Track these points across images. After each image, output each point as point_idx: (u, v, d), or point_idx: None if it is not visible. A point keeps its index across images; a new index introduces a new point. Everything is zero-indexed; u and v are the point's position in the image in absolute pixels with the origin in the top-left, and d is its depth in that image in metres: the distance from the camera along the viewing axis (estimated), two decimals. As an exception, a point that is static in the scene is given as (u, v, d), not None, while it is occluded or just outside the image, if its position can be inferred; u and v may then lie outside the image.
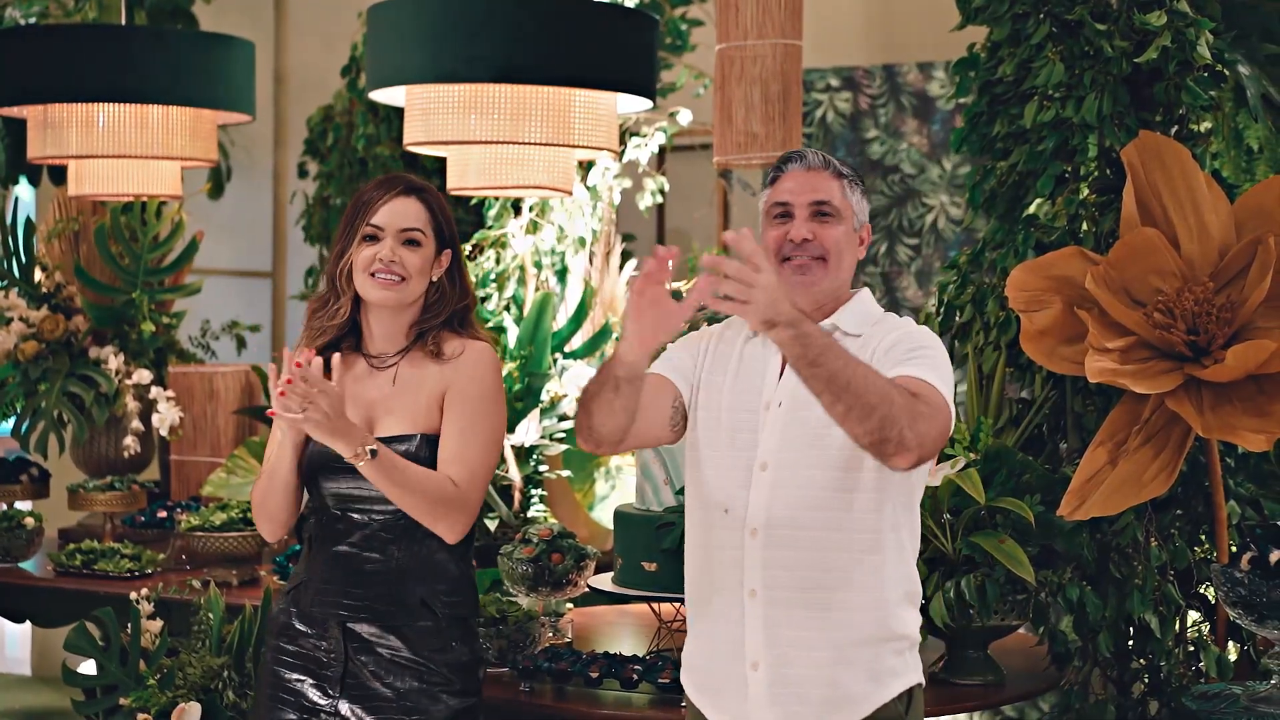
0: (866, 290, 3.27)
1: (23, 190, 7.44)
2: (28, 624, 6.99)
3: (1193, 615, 4.15)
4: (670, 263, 2.85)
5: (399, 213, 3.45)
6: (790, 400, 3.08)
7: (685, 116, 5.82)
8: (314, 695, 3.47)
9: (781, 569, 3.07)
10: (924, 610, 3.87)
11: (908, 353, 3.03)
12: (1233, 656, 4.09)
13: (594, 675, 3.83)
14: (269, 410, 3.29)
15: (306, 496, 3.56)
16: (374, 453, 3.29)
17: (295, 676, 3.50)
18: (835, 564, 3.05)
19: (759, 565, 3.08)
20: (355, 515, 3.47)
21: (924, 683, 3.21)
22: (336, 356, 3.33)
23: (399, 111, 6.63)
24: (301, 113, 7.93)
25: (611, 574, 4.34)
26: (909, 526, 3.13)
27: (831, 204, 3.16)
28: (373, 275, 3.44)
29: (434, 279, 3.51)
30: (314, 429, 3.25)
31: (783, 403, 3.10)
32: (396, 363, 3.51)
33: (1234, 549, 3.88)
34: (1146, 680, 4.14)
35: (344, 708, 3.44)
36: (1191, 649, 4.12)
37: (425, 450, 3.42)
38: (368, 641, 3.44)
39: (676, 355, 3.28)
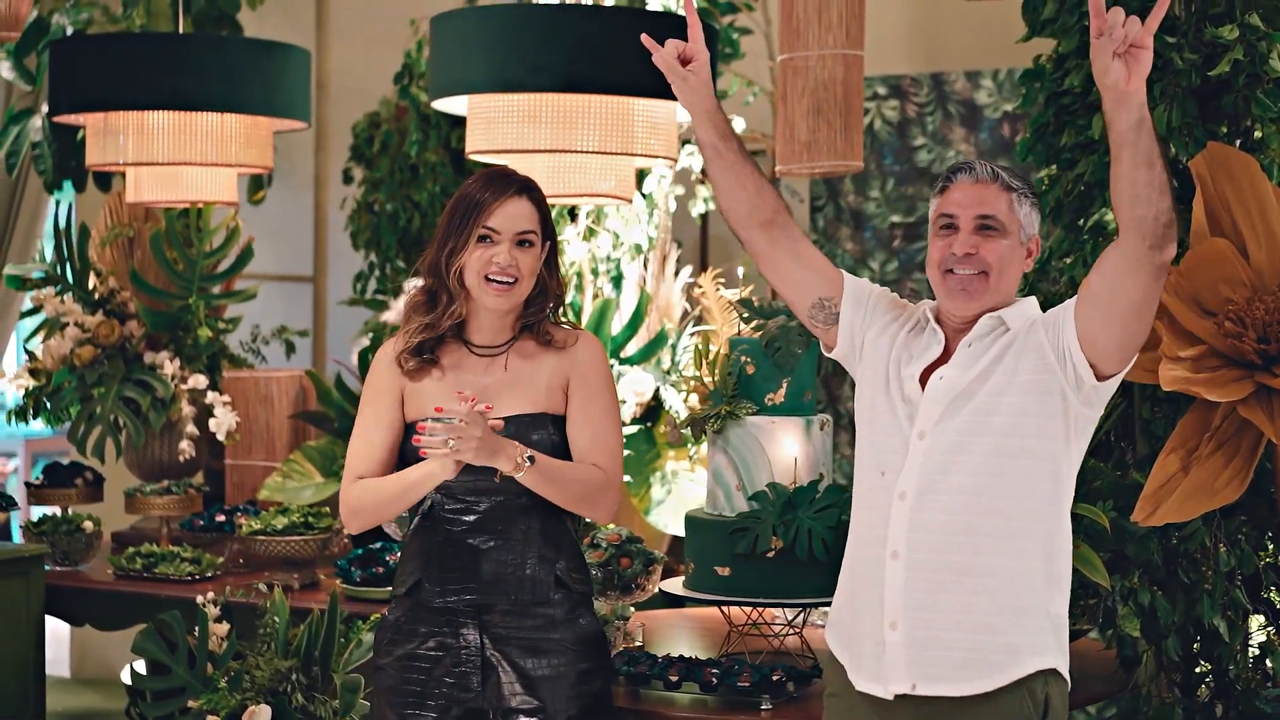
0: (1031, 299, 3.33)
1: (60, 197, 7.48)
2: (66, 626, 7.07)
3: (1258, 619, 4.19)
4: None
5: (514, 215, 3.46)
6: (956, 373, 3.18)
7: (739, 124, 5.88)
8: (455, 692, 3.49)
9: (925, 532, 3.14)
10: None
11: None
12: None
13: (673, 679, 3.88)
14: (422, 451, 3.34)
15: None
16: (532, 459, 3.35)
17: (431, 679, 3.51)
18: (980, 531, 3.12)
19: (904, 528, 3.16)
20: (472, 500, 3.50)
21: (1065, 672, 3.21)
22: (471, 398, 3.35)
23: (448, 118, 6.70)
24: (343, 118, 7.98)
25: (681, 579, 4.38)
26: (1058, 504, 3.18)
27: (997, 218, 3.20)
28: (489, 280, 3.45)
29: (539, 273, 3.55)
30: (472, 458, 3.30)
31: (944, 376, 3.19)
32: (505, 350, 3.55)
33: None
34: (1212, 684, 4.19)
35: (488, 697, 3.48)
36: (1257, 653, 4.16)
37: (553, 429, 3.49)
38: (504, 626, 3.49)
39: (860, 289, 3.40)
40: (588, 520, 5.08)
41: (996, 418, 3.13)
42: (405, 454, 3.53)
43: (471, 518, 3.50)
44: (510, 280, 3.45)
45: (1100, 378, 3.13)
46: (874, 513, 3.23)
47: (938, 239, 3.24)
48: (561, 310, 3.64)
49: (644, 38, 3.32)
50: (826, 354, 3.46)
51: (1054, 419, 3.14)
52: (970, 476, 3.13)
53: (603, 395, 3.55)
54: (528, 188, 3.50)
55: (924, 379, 3.24)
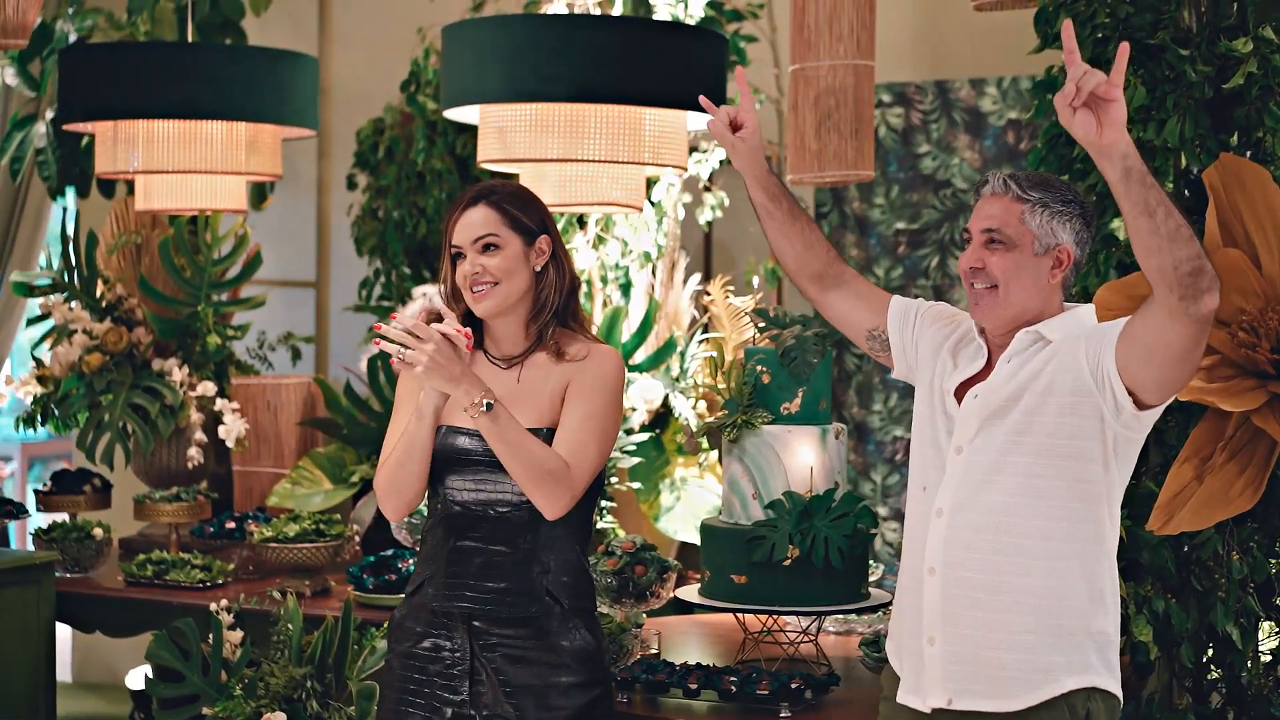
0: (1087, 307, 3.31)
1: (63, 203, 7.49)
2: (68, 630, 7.08)
3: (1270, 626, 4.23)
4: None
5: (469, 225, 3.53)
6: (991, 389, 3.20)
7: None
8: (443, 694, 3.54)
9: (960, 549, 3.17)
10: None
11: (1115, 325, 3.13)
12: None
13: (693, 687, 3.91)
14: (391, 360, 3.36)
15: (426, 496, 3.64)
16: (489, 405, 3.35)
17: (424, 678, 3.56)
18: (1013, 550, 3.14)
19: (940, 544, 3.19)
20: (479, 509, 3.53)
21: (1115, 692, 3.22)
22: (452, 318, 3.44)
23: (454, 125, 6.73)
24: (345, 124, 8.00)
25: (695, 587, 4.41)
26: (1098, 524, 3.18)
27: (1001, 231, 3.21)
28: (471, 290, 3.53)
29: (538, 269, 3.57)
30: (430, 375, 3.32)
31: (979, 393, 3.21)
32: (521, 362, 3.59)
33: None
34: (1224, 690, 4.22)
35: (474, 704, 3.51)
36: (1268, 659, 4.20)
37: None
38: (493, 634, 3.51)
39: (903, 308, 3.48)
40: (599, 527, 5.15)
41: (1031, 437, 3.14)
42: (436, 453, 3.56)
43: (475, 525, 3.54)
44: (486, 285, 3.52)
45: (1141, 407, 3.11)
46: (915, 527, 3.28)
47: (963, 253, 3.29)
48: (577, 312, 3.65)
49: (701, 99, 3.60)
50: (892, 376, 3.56)
51: (1091, 440, 3.14)
52: (1004, 495, 3.15)
53: (594, 400, 3.53)
54: (483, 195, 3.56)
55: (962, 393, 3.26)
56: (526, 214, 3.57)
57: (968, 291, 3.28)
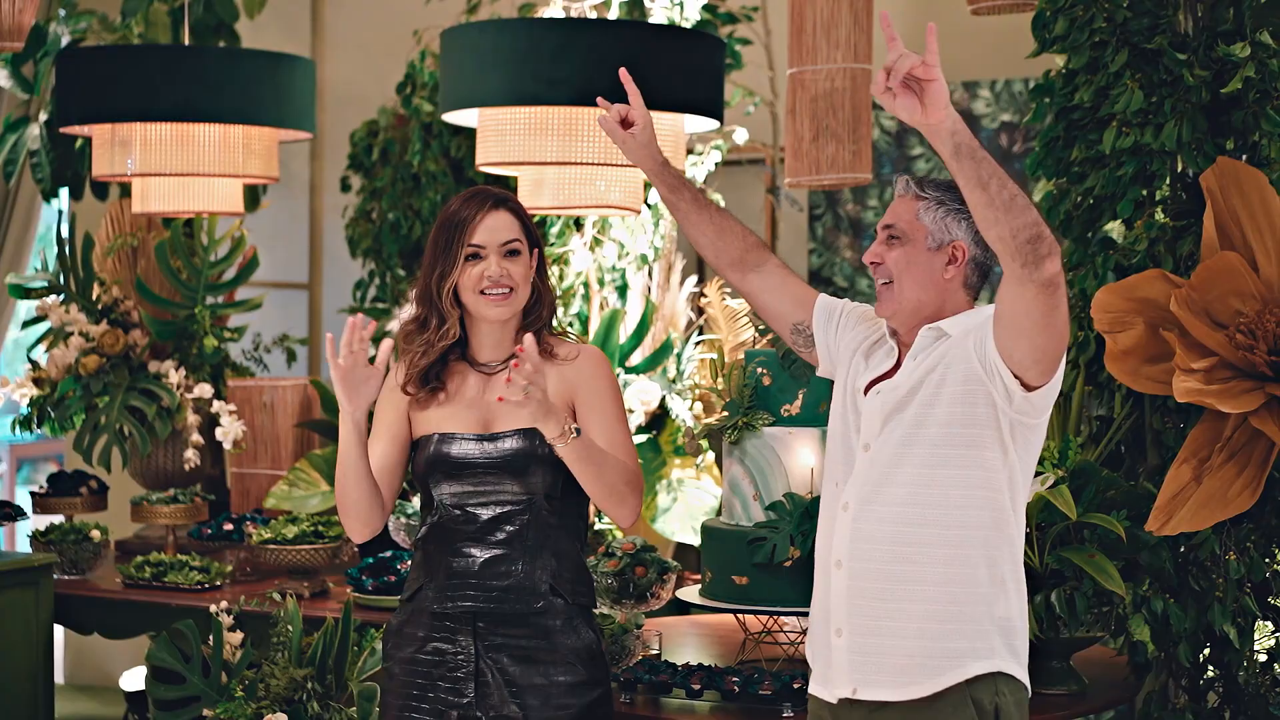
0: (990, 306, 3.33)
1: (56, 205, 7.50)
2: (61, 633, 7.09)
3: (1267, 625, 4.26)
4: None
5: (496, 228, 3.54)
6: (892, 385, 3.26)
7: (742, 135, 5.94)
8: (449, 696, 3.55)
9: (865, 542, 3.23)
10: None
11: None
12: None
13: (696, 687, 3.93)
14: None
15: (416, 501, 3.65)
16: (578, 431, 3.40)
17: (428, 683, 3.58)
18: (916, 540, 3.19)
19: (847, 538, 3.25)
20: (477, 511, 3.55)
21: (1020, 678, 3.24)
22: (360, 319, 3.44)
23: (449, 127, 6.74)
24: (339, 127, 8.01)
25: (695, 588, 4.44)
26: (999, 510, 3.20)
27: (897, 226, 3.30)
28: (484, 293, 3.53)
29: (533, 279, 3.61)
30: (535, 408, 3.33)
31: (881, 390, 3.27)
32: (505, 366, 3.59)
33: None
34: (1221, 689, 4.26)
35: (480, 705, 3.53)
36: (1265, 659, 4.24)
37: (548, 447, 3.48)
38: (498, 634, 3.53)
39: (828, 306, 3.52)
40: (597, 529, 5.17)
41: (927, 429, 3.19)
42: (430, 461, 3.59)
43: (473, 528, 3.56)
44: (504, 290, 3.53)
45: (1029, 388, 3.13)
46: (826, 523, 3.34)
47: None
48: (556, 319, 3.72)
49: (599, 99, 3.66)
50: (819, 374, 3.59)
51: (986, 428, 3.17)
52: (905, 487, 3.20)
53: (612, 403, 3.60)
54: (504, 200, 3.59)
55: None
56: (531, 224, 3.63)
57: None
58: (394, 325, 6.27)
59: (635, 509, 3.56)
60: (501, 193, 3.62)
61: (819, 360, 3.53)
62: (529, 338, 3.33)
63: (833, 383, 3.48)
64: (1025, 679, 3.26)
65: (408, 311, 5.75)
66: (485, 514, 3.55)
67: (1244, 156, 4.27)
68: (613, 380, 3.64)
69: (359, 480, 3.52)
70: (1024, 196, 2.92)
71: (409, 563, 5.10)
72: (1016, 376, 3.11)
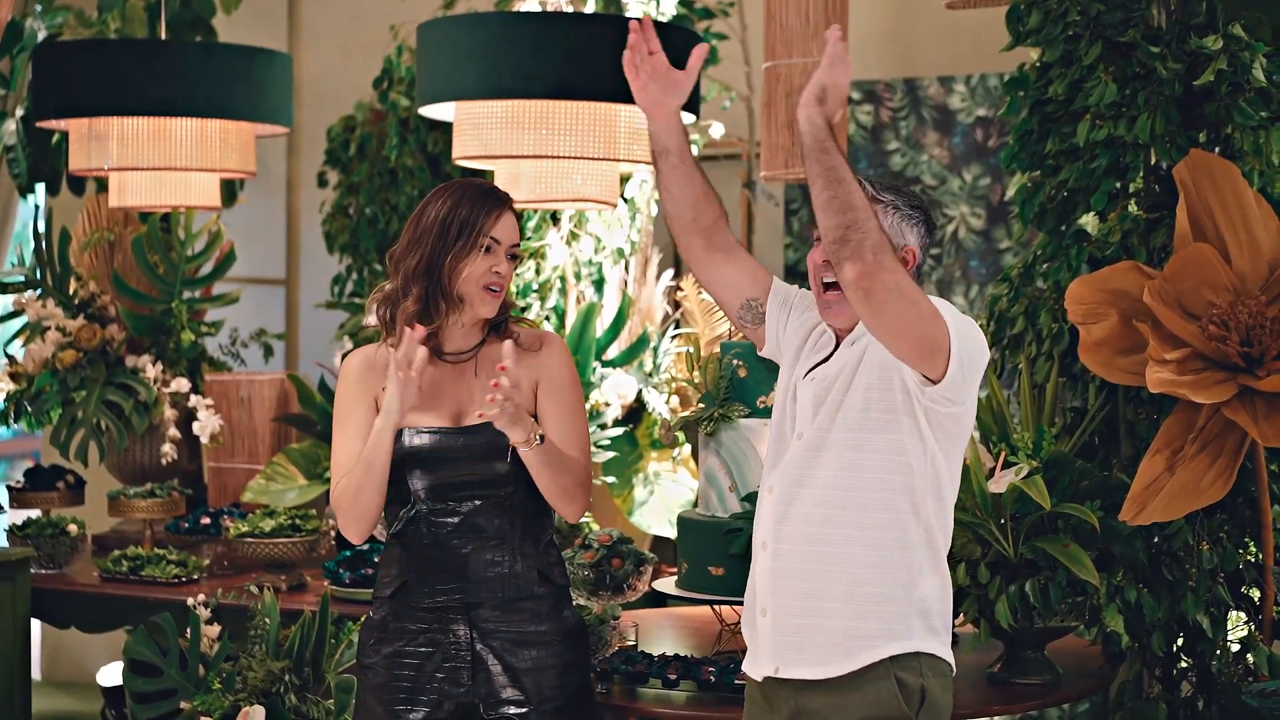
0: None
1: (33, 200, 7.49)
2: (38, 628, 7.08)
3: (1240, 615, 4.29)
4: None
5: (511, 228, 3.56)
6: (822, 372, 3.28)
7: (718, 130, 5.96)
8: (446, 687, 3.56)
9: (788, 524, 3.25)
10: (989, 612, 4.02)
11: None
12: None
13: (672, 677, 3.95)
14: (480, 414, 3.41)
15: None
16: (543, 438, 3.43)
17: (421, 675, 3.58)
18: (835, 522, 3.21)
19: (771, 520, 3.28)
20: (457, 503, 3.56)
21: (944, 656, 3.27)
22: (421, 331, 3.43)
23: (426, 122, 6.76)
24: (315, 122, 8.01)
25: (672, 579, 4.45)
26: (913, 495, 3.23)
27: None
28: (486, 288, 3.53)
29: None
30: (505, 418, 3.37)
31: (815, 376, 3.28)
32: (474, 355, 3.61)
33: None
34: (1195, 678, 4.29)
35: (478, 691, 3.55)
36: (1238, 648, 4.26)
37: None
38: (493, 621, 3.56)
39: (784, 291, 3.49)
40: (571, 524, 5.18)
41: (847, 414, 3.21)
42: (403, 455, 3.59)
43: (454, 519, 3.57)
44: (500, 287, 3.56)
45: (929, 381, 3.15)
46: (760, 506, 3.36)
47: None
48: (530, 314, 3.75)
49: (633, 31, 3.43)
50: (759, 354, 3.55)
51: (899, 414, 3.19)
52: (827, 470, 3.22)
53: (573, 394, 3.64)
54: (510, 205, 3.61)
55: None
56: None
57: (816, 294, 3.31)
58: (371, 320, 6.26)
59: (583, 507, 3.60)
60: (504, 192, 3.63)
61: (763, 340, 3.50)
62: (507, 345, 3.37)
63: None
64: (948, 656, 3.29)
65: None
66: (466, 507, 3.56)
67: (1217, 149, 4.30)
68: (574, 371, 3.68)
69: (381, 487, 3.53)
70: (846, 200, 2.97)
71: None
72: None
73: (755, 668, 3.34)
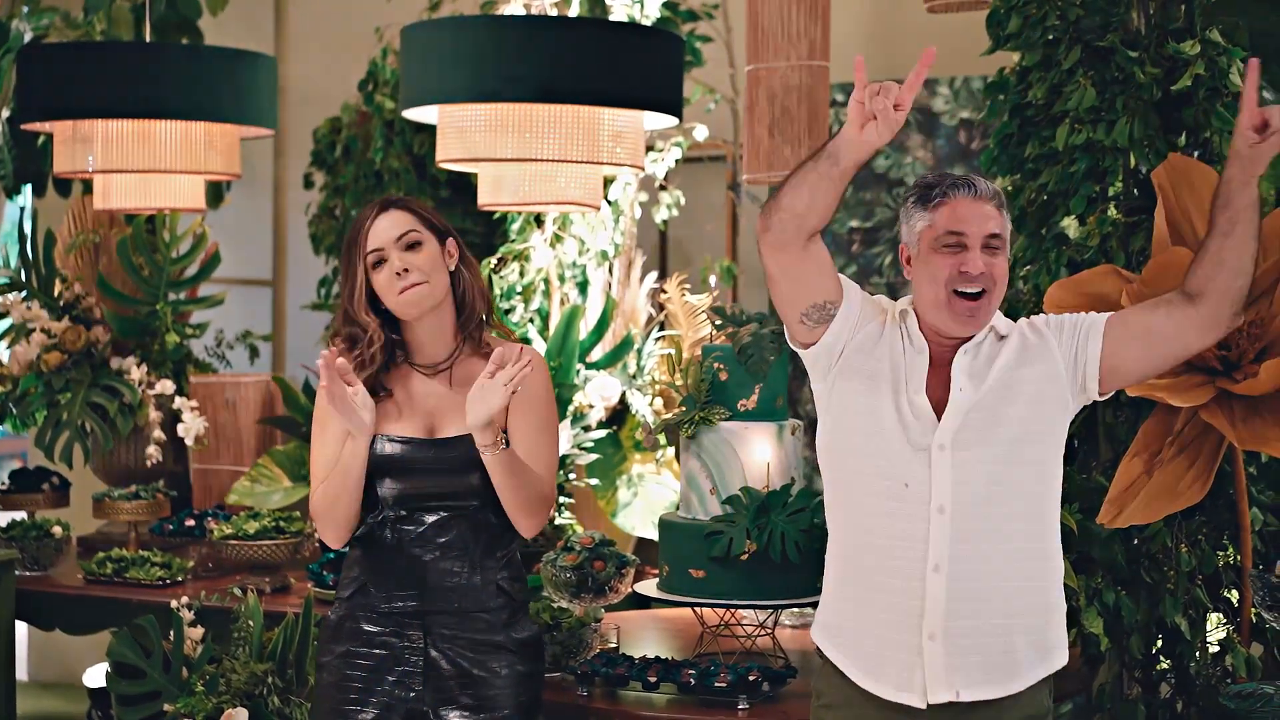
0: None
1: (19, 201, 7.49)
2: (24, 629, 7.08)
3: (1218, 617, 4.31)
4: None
5: (387, 227, 3.56)
6: (969, 384, 3.23)
7: (701, 132, 5.98)
8: (397, 691, 3.59)
9: (965, 543, 3.17)
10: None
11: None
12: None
13: (652, 680, 3.96)
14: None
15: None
16: (508, 443, 3.46)
17: (374, 677, 3.61)
18: (1012, 537, 3.20)
19: (946, 541, 3.17)
20: (422, 512, 3.59)
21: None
22: (332, 353, 3.47)
23: (411, 124, 6.76)
24: (302, 124, 8.02)
25: (653, 581, 4.47)
26: (1056, 504, 3.30)
27: (1001, 236, 3.24)
28: (399, 293, 3.54)
29: (451, 268, 3.63)
30: (475, 416, 3.42)
31: (964, 387, 3.22)
32: (449, 366, 3.63)
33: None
34: (1173, 680, 4.30)
35: (428, 698, 3.58)
36: (1216, 650, 4.28)
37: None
38: (449, 630, 3.58)
39: (863, 297, 3.37)
40: (556, 524, 5.19)
41: (1008, 428, 3.19)
42: (374, 462, 3.61)
43: (418, 528, 3.60)
44: (414, 283, 3.54)
45: (1103, 393, 3.26)
46: (898, 524, 3.22)
47: (942, 255, 3.22)
48: (493, 316, 3.74)
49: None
50: (795, 347, 3.40)
51: (1056, 425, 3.25)
52: (996, 486, 3.19)
53: (544, 411, 3.64)
54: (394, 203, 3.62)
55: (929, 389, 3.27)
56: (433, 216, 3.65)
57: (947, 301, 3.22)
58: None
59: (541, 524, 3.62)
60: (390, 197, 3.66)
61: (818, 339, 3.33)
62: (498, 353, 3.41)
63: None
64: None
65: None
66: (431, 517, 3.59)
67: (1195, 153, 4.32)
68: (550, 389, 3.68)
69: (356, 494, 3.57)
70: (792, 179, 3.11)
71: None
72: (1101, 381, 3.26)
73: (915, 694, 3.21)
